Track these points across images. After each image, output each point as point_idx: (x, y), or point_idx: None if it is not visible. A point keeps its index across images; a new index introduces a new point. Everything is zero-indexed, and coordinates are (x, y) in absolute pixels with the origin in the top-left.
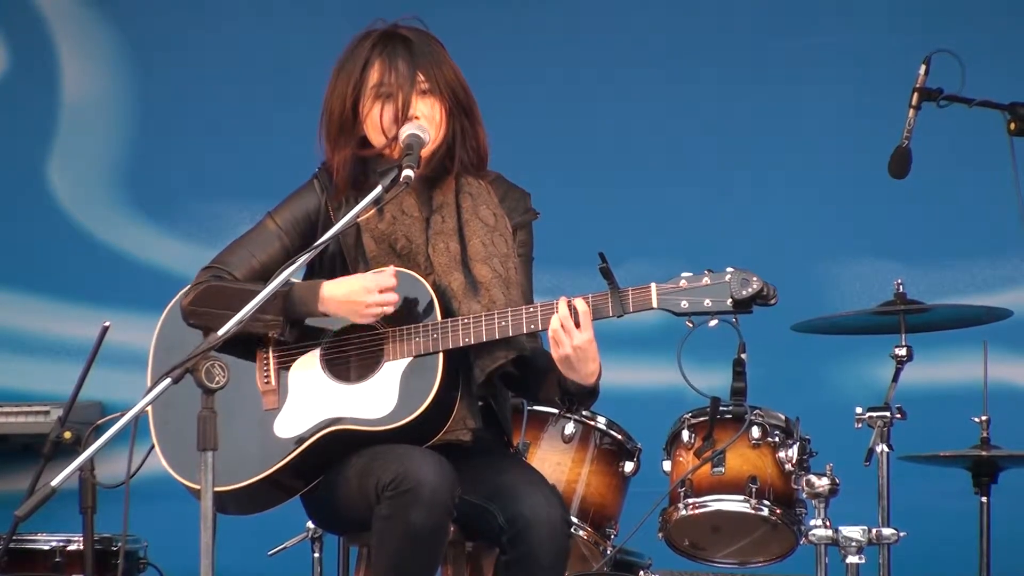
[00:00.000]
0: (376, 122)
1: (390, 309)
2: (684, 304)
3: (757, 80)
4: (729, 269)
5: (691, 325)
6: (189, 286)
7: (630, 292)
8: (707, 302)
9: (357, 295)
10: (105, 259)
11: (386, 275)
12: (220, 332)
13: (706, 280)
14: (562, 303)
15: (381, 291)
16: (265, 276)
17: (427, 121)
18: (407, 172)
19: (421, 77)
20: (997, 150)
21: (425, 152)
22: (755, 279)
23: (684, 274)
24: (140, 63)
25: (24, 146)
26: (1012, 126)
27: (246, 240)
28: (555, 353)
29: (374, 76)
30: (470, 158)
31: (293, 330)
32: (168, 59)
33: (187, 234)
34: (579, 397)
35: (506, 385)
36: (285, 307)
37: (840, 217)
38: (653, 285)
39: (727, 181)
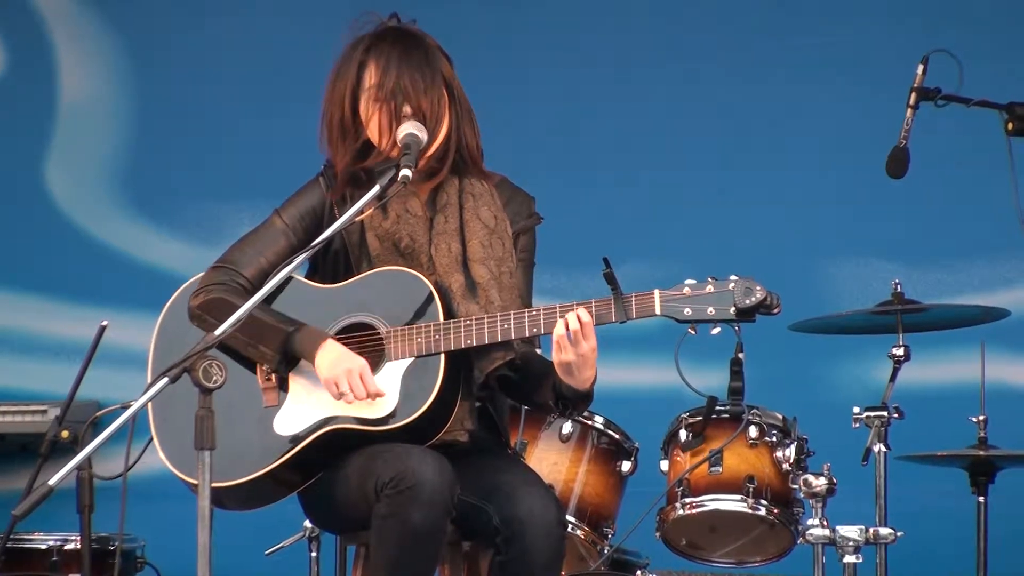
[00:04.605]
0: (376, 124)
1: (349, 399)
2: (687, 311)
3: (757, 80)
4: (733, 277)
5: (693, 332)
6: (199, 285)
7: (633, 299)
8: (710, 310)
9: (347, 365)
10: (103, 258)
11: (379, 388)
12: (217, 332)
13: (710, 288)
14: (570, 313)
15: (368, 392)
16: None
17: (426, 119)
18: (404, 171)
19: (416, 76)
20: (995, 150)
21: (428, 150)
22: (759, 288)
23: (688, 281)
24: (138, 62)
25: (22, 146)
26: (1010, 126)
27: (254, 238)
28: (556, 358)
29: (370, 79)
30: (468, 153)
31: (287, 369)
32: (166, 59)
33: (185, 234)
34: (574, 401)
35: (502, 389)
36: (285, 346)
37: (838, 217)
38: (657, 292)
39: (726, 181)
